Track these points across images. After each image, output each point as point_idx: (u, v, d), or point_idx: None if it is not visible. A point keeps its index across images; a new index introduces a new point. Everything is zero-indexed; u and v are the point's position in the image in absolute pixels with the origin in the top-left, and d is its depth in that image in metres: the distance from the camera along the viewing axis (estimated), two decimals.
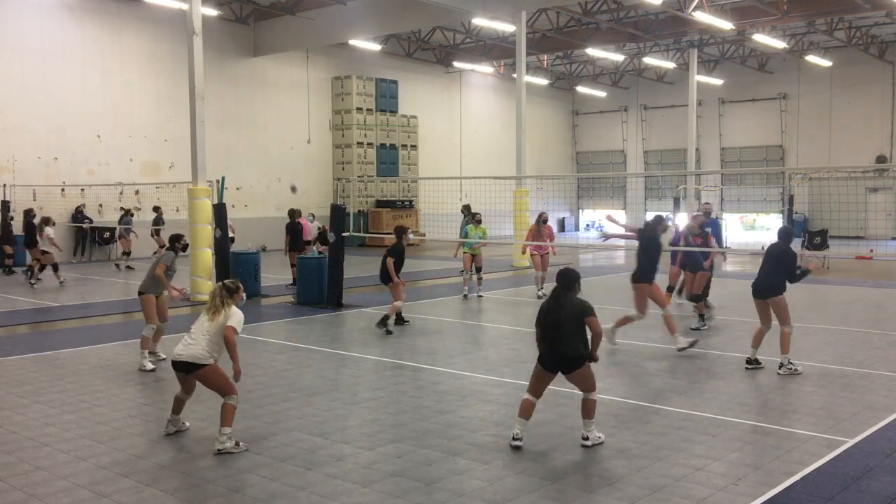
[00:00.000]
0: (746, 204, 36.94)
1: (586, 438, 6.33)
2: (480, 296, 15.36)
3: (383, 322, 11.65)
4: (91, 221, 22.86)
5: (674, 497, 5.30)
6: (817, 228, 24.18)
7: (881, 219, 30.71)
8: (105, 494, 5.40)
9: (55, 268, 17.54)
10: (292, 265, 16.70)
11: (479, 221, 15.59)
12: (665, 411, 7.37)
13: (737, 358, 9.68)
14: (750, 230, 36.05)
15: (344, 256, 14.55)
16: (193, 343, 6.38)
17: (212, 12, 23.74)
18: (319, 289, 14.39)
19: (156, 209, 21.84)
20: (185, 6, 16.61)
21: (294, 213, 17.74)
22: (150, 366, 9.15)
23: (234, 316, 6.53)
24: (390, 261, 11.72)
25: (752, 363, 9.03)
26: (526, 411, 6.36)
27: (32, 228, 18.35)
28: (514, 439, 6.29)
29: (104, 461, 6.05)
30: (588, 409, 6.34)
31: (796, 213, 34.72)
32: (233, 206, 22.67)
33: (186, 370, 6.39)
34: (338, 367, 9.38)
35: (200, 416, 7.28)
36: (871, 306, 14.22)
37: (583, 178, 43.73)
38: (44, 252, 17.55)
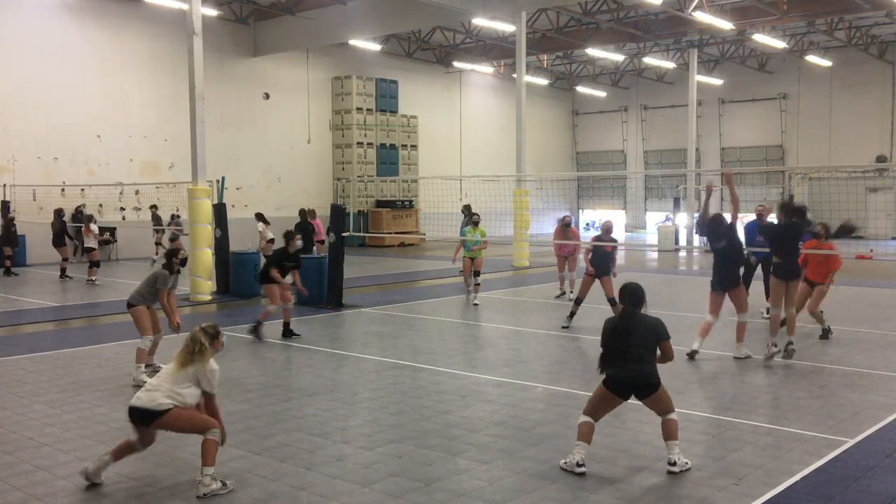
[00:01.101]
0: (746, 204, 36.70)
1: (674, 464, 5.74)
2: (476, 304, 14.47)
3: (255, 330, 10.99)
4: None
5: (674, 497, 5.30)
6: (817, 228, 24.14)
7: (881, 219, 30.70)
8: (105, 494, 5.40)
9: (97, 265, 17.96)
10: None
11: (477, 223, 14.95)
12: None
13: (736, 359, 9.68)
14: None
15: (344, 256, 14.55)
16: (154, 389, 5.42)
17: (212, 12, 23.74)
18: (319, 289, 14.39)
19: (174, 217, 21.34)
20: (185, 6, 16.61)
21: (306, 214, 17.66)
22: (146, 379, 8.52)
23: (214, 375, 5.51)
24: (274, 270, 11.01)
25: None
26: (587, 435, 5.83)
27: (63, 228, 18.62)
28: (578, 465, 5.73)
29: None
30: (670, 431, 5.82)
31: None
32: (233, 206, 22.67)
33: (146, 421, 5.42)
34: (338, 367, 9.38)
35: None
36: (871, 306, 14.21)
37: (583, 178, 43.74)
38: (90, 249, 18.07)
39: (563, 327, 11.85)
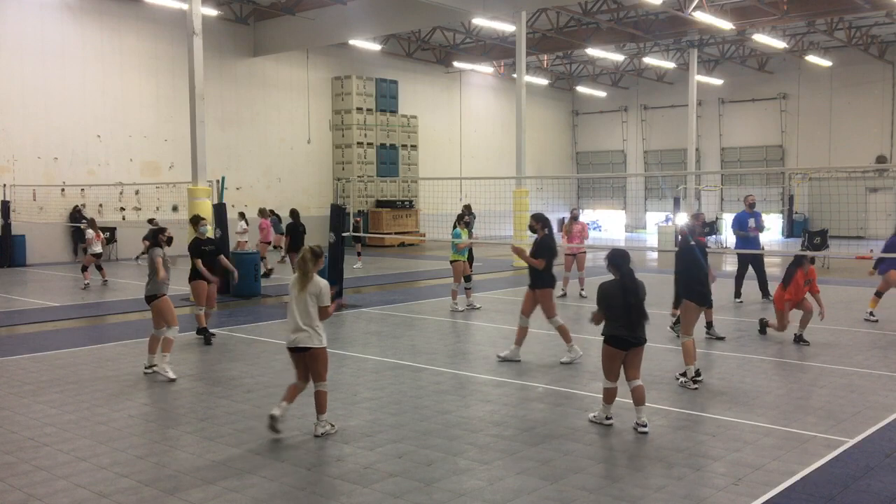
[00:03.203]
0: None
1: (644, 425, 6.65)
2: (478, 307, 13.89)
3: (203, 332, 10.88)
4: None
5: (674, 497, 5.30)
6: (817, 228, 24.19)
7: (881, 219, 30.70)
8: (105, 494, 5.40)
9: (98, 268, 17.57)
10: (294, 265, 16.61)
11: (468, 224, 14.04)
12: (665, 411, 7.37)
13: (737, 358, 9.69)
14: None
15: (344, 256, 14.55)
16: (306, 328, 6.54)
17: (212, 12, 23.74)
18: None
19: (241, 214, 21.65)
20: (185, 6, 16.61)
21: (297, 214, 17.68)
22: (172, 374, 8.64)
23: (323, 293, 6.66)
24: (197, 261, 10.69)
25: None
26: (612, 398, 6.82)
27: (80, 231, 18.85)
28: (607, 419, 6.84)
29: (104, 461, 6.05)
30: (640, 396, 6.74)
31: (796, 212, 34.78)
32: (233, 206, 22.69)
33: (303, 351, 6.60)
34: (338, 367, 9.38)
35: (201, 414, 7.29)
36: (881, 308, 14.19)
37: (583, 178, 43.74)
38: (98, 254, 17.58)
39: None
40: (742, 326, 11.92)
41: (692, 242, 8.81)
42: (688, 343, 8.25)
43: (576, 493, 5.37)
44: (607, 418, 6.83)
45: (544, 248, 9.40)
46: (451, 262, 13.88)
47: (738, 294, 14.49)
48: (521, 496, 5.32)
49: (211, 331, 11.01)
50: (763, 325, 11.20)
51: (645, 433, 6.60)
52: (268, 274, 18.70)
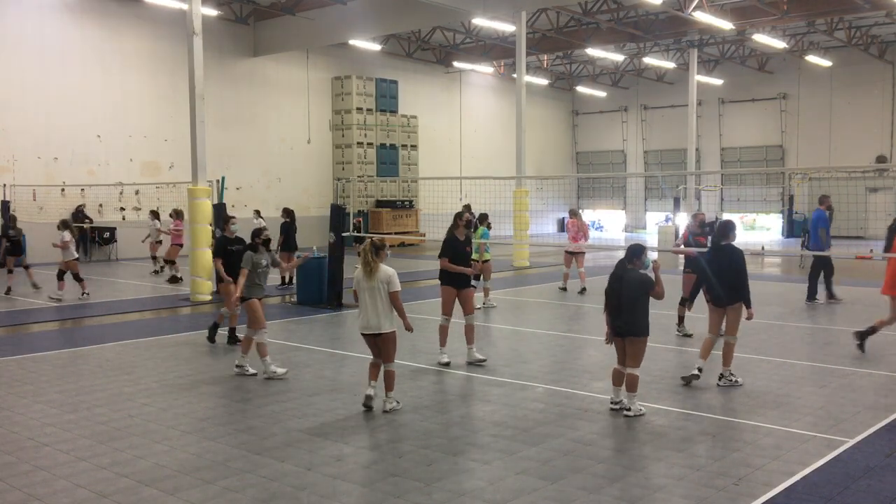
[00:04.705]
0: (746, 204, 36.95)
1: (628, 409, 7.14)
2: (495, 305, 14.18)
3: (212, 332, 10.81)
4: (91, 221, 22.84)
5: (674, 497, 5.30)
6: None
7: (881, 219, 30.66)
8: (105, 494, 5.40)
9: (69, 277, 15.13)
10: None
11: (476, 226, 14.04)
12: (665, 411, 7.37)
13: (737, 358, 9.68)
14: (750, 230, 36.06)
15: (344, 256, 14.55)
16: (375, 315, 7.15)
17: (212, 12, 23.73)
18: (319, 289, 14.39)
19: (257, 213, 21.36)
20: (185, 6, 16.61)
21: (292, 213, 17.41)
22: (280, 370, 8.70)
23: (392, 279, 7.15)
24: (217, 261, 10.50)
25: (695, 377, 8.34)
26: (617, 378, 7.30)
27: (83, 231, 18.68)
28: (612, 403, 7.31)
29: (104, 461, 6.05)
30: (632, 384, 7.15)
31: (796, 212, 34.76)
32: (233, 206, 22.68)
33: (375, 336, 7.26)
34: (338, 367, 9.38)
35: (201, 415, 7.29)
36: (870, 306, 14.20)
37: (583, 178, 43.74)
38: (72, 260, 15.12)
39: (684, 335, 11.23)
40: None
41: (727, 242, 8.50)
42: (734, 344, 8.43)
43: (576, 493, 5.37)
44: (612, 402, 7.33)
45: (444, 247, 9.41)
46: (484, 262, 14.00)
47: (813, 295, 14.60)
48: (521, 496, 5.32)
49: (216, 331, 10.94)
50: (865, 335, 9.95)
51: (629, 416, 7.08)
52: (175, 279, 17.90)
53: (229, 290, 10.00)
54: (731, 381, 8.31)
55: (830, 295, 14.68)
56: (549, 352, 10.22)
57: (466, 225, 9.53)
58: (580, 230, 16.49)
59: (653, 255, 10.09)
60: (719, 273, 8.32)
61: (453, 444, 6.42)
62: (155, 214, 20.13)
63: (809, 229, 15.29)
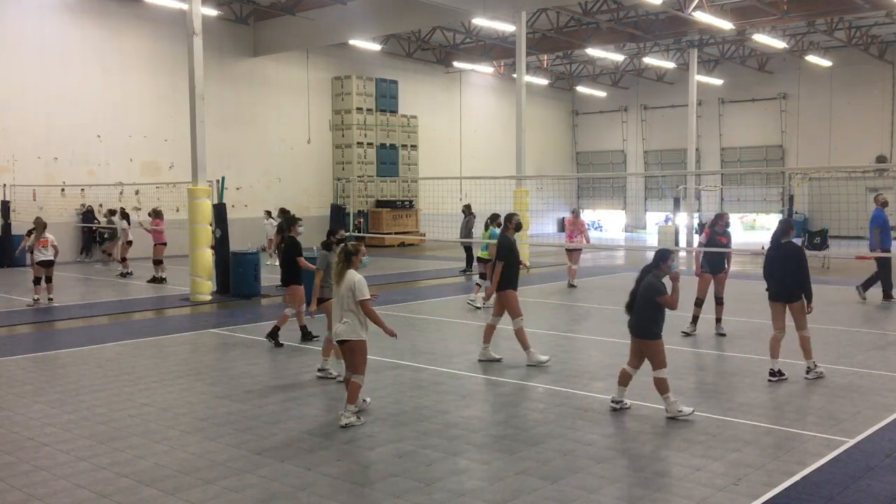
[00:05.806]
0: (746, 204, 36.95)
1: (665, 410, 7.13)
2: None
3: (273, 334, 10.61)
4: (99, 222, 22.87)
5: (674, 497, 5.30)
6: (817, 228, 24.19)
7: None
8: (105, 494, 5.40)
9: (47, 279, 14.52)
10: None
11: (487, 226, 14.17)
12: (665, 411, 7.36)
13: (736, 358, 9.69)
14: (750, 230, 36.07)
15: None
16: (339, 322, 6.96)
17: (212, 12, 23.73)
18: None
19: (281, 211, 20.32)
20: (185, 6, 16.61)
21: (290, 213, 17.41)
22: (334, 373, 8.63)
23: (358, 287, 6.87)
24: (301, 259, 10.38)
25: (777, 374, 8.53)
26: (623, 381, 7.32)
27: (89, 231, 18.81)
28: (613, 401, 7.34)
29: (104, 461, 6.05)
30: (659, 387, 7.11)
31: (796, 212, 34.74)
32: (233, 206, 22.68)
33: (341, 343, 7.06)
34: (338, 367, 9.37)
35: (201, 415, 7.29)
36: (870, 306, 14.22)
37: (583, 178, 43.74)
38: (47, 262, 14.45)
39: (686, 334, 11.20)
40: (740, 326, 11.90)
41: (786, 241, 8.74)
42: (809, 336, 8.60)
43: (576, 493, 5.37)
44: (613, 402, 7.37)
45: (502, 251, 9.53)
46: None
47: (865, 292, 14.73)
48: (521, 496, 5.32)
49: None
50: None
51: (615, 409, 7.29)
52: (159, 280, 17.89)
53: (300, 291, 10.20)
54: (818, 373, 8.55)
55: (865, 289, 14.78)
56: (549, 352, 10.21)
57: (517, 227, 9.60)
58: (576, 228, 17.18)
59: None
60: (782, 270, 8.57)
61: (453, 444, 6.41)
62: (124, 214, 20.13)
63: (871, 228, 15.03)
